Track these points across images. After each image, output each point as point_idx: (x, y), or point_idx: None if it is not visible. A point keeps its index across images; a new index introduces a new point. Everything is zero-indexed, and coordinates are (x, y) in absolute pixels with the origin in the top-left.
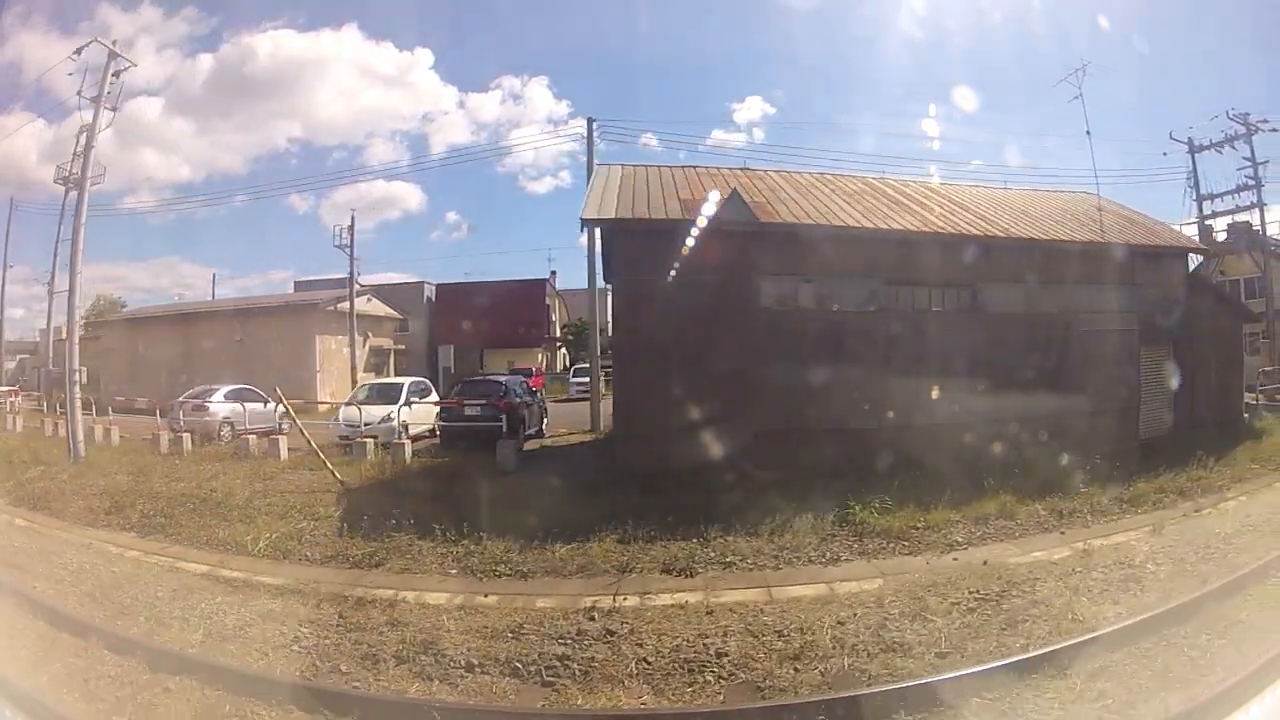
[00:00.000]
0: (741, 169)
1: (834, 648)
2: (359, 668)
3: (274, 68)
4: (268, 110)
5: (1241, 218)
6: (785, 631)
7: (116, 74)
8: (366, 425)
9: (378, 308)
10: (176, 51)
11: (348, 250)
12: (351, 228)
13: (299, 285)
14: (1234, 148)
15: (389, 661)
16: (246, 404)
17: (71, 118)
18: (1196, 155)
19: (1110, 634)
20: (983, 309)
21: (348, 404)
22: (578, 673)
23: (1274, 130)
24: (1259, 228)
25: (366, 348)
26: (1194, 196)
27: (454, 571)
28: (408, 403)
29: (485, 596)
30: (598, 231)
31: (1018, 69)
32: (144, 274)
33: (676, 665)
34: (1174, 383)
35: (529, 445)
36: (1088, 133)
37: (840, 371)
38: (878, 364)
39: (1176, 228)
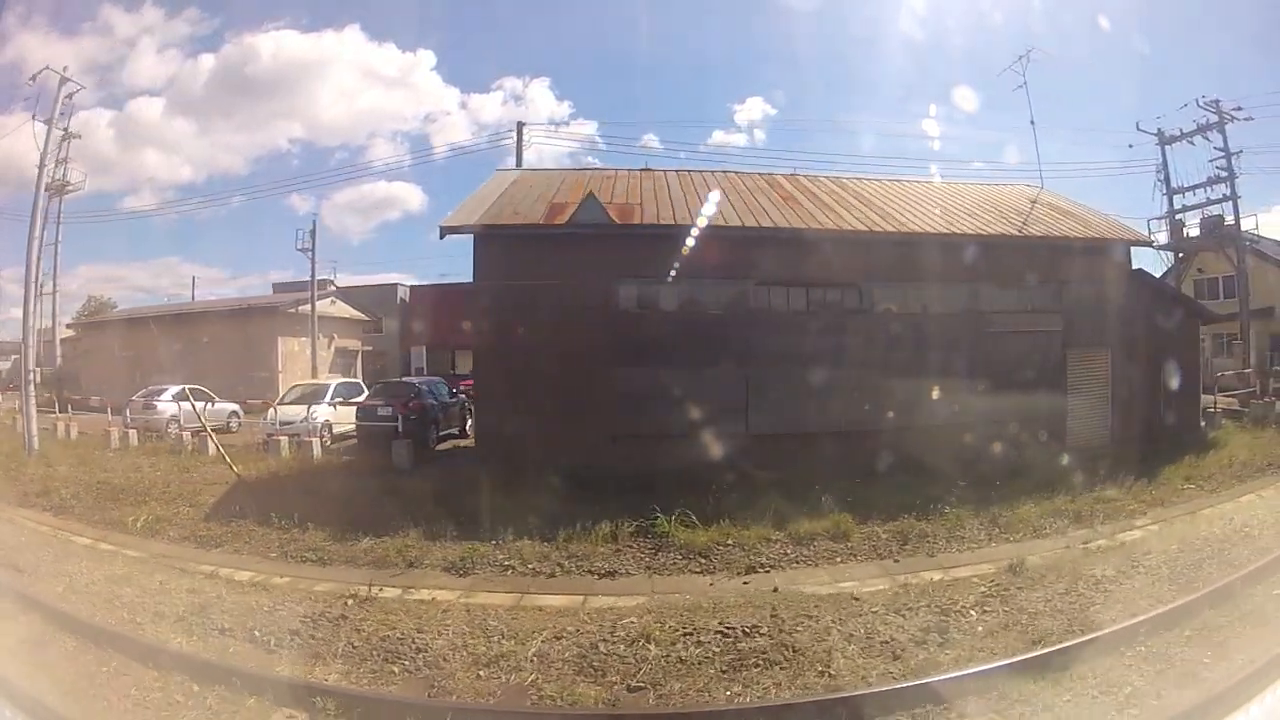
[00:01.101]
0: (642, 170)
1: (533, 662)
2: (149, 619)
3: (276, 68)
4: (269, 110)
5: (1216, 211)
6: (498, 637)
7: (70, 96)
8: (285, 424)
9: (343, 310)
10: (178, 51)
11: (309, 254)
12: (314, 232)
13: (278, 287)
14: (1207, 138)
15: (169, 619)
16: (194, 403)
17: (73, 118)
18: (1167, 147)
19: (854, 698)
20: (869, 310)
21: (278, 404)
22: (295, 646)
23: (1249, 119)
24: (1232, 222)
25: (332, 349)
26: (1164, 190)
27: (273, 555)
28: (332, 403)
29: (281, 578)
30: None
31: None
32: (144, 274)
33: (372, 652)
34: (1110, 389)
35: (444, 445)
36: (1031, 122)
37: (701, 375)
38: (743, 367)
39: (1129, 222)
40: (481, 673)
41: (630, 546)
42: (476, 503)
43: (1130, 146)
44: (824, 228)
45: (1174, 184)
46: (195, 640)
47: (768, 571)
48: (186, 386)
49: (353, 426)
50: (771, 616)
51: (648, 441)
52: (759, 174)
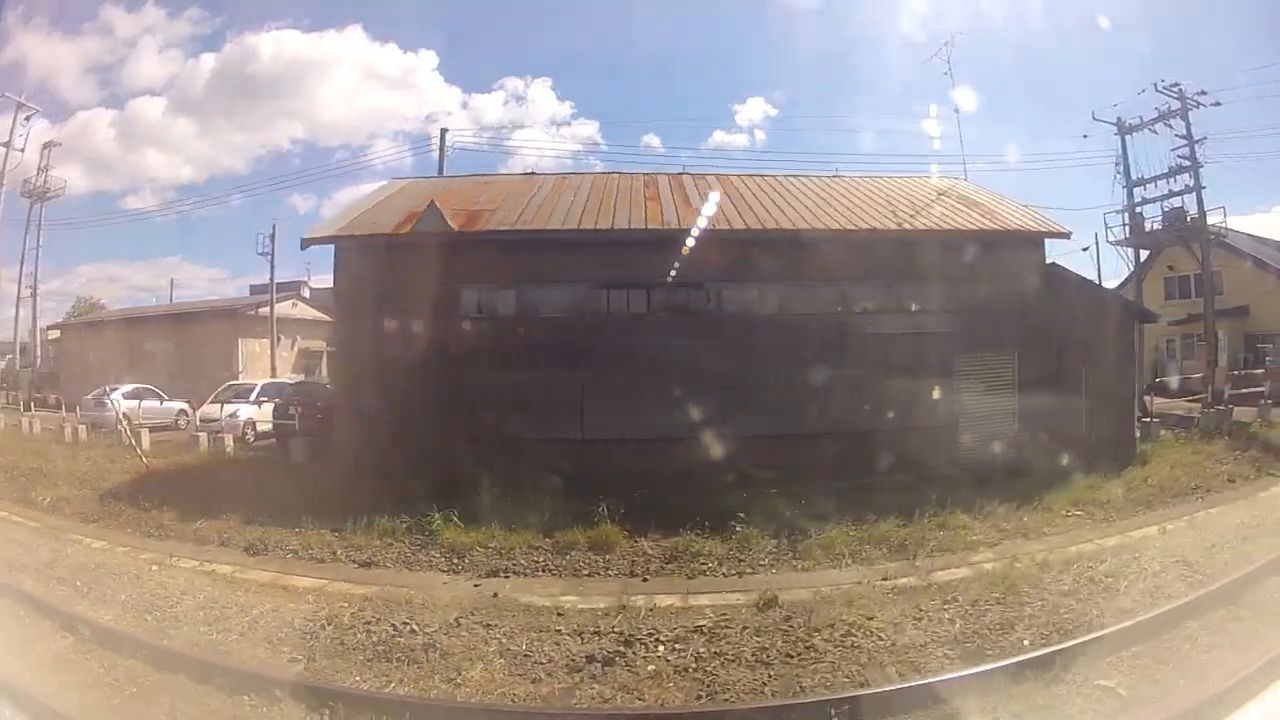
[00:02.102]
0: (525, 174)
1: (237, 624)
2: (13, 569)
3: (277, 68)
4: (271, 110)
5: (1182, 205)
6: (223, 605)
7: (27, 118)
8: (208, 422)
9: (305, 311)
10: (179, 51)
11: (269, 258)
12: (273, 237)
13: (254, 289)
14: (1170, 125)
15: (30, 569)
16: (143, 401)
17: (74, 118)
18: (1128, 137)
19: None
20: (715, 310)
21: (209, 403)
22: (77, 585)
23: (1216, 104)
24: (1196, 215)
25: (295, 350)
26: (1124, 183)
27: (129, 530)
28: (257, 403)
29: (123, 547)
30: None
31: (1019, 68)
32: (145, 274)
33: (121, 596)
34: (1016, 396)
35: None
36: (956, 110)
37: (538, 379)
38: (577, 371)
39: (1043, 213)
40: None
41: (401, 541)
42: (316, 495)
43: (1085, 137)
44: (667, 227)
45: (1135, 176)
46: (29, 579)
47: (507, 577)
48: (137, 386)
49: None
50: (453, 622)
51: (492, 442)
52: (666, 174)
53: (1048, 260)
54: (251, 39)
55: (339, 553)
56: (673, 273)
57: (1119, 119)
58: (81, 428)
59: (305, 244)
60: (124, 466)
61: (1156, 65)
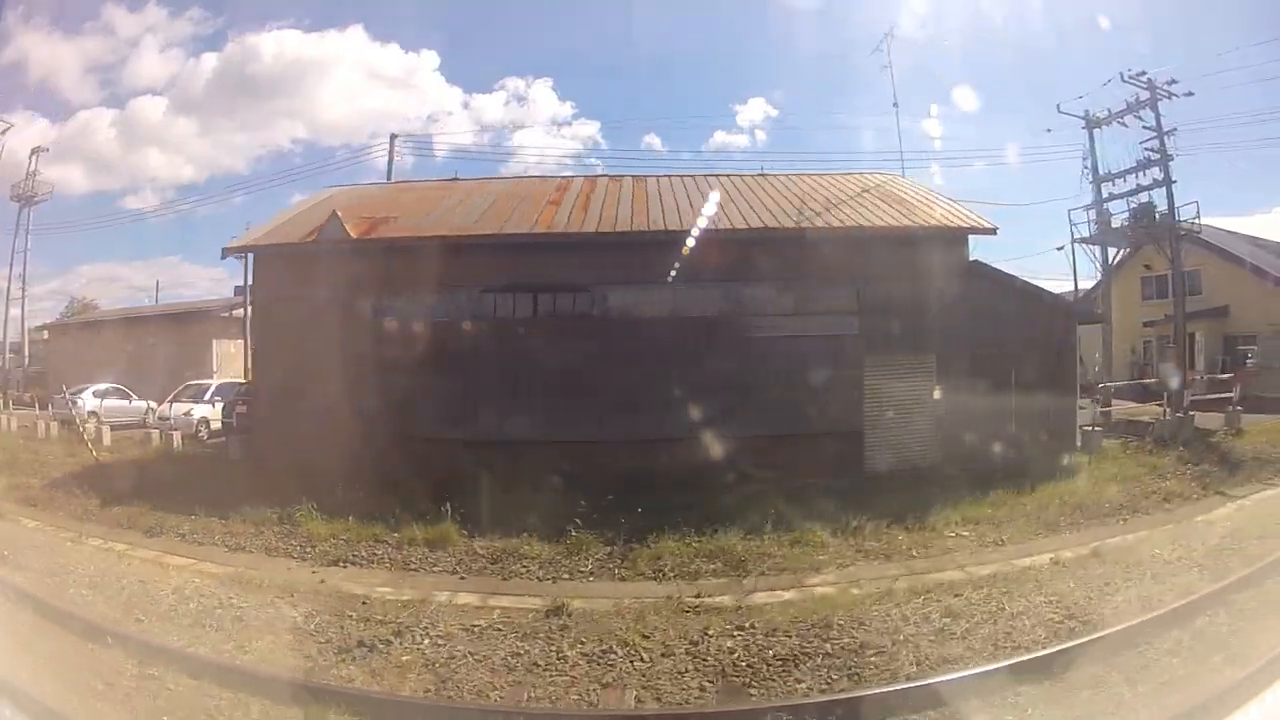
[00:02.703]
0: (451, 179)
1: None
2: None
3: (278, 68)
4: (271, 110)
5: (1166, 203)
6: (81, 569)
7: (3, 131)
8: (163, 420)
9: None
10: (180, 51)
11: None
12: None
13: (238, 290)
14: (1139, 117)
15: None
16: (107, 400)
17: (74, 118)
18: (1096, 130)
19: None
20: (604, 314)
21: (168, 401)
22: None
23: (1189, 95)
24: (1165, 211)
25: None
26: (1090, 178)
27: (61, 514)
28: (211, 402)
29: (52, 526)
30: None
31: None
32: (146, 274)
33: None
34: (934, 402)
35: None
36: (895, 104)
37: (427, 382)
38: (464, 375)
39: (962, 209)
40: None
41: (272, 530)
42: (225, 487)
43: (1049, 131)
44: (551, 231)
45: (1104, 171)
46: None
47: (345, 567)
48: (107, 385)
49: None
50: (269, 601)
51: (384, 441)
52: (587, 177)
53: (1013, 263)
54: (253, 39)
55: (217, 538)
56: (561, 276)
57: (1086, 112)
58: (53, 424)
59: (225, 254)
60: (77, 460)
61: (1157, 63)
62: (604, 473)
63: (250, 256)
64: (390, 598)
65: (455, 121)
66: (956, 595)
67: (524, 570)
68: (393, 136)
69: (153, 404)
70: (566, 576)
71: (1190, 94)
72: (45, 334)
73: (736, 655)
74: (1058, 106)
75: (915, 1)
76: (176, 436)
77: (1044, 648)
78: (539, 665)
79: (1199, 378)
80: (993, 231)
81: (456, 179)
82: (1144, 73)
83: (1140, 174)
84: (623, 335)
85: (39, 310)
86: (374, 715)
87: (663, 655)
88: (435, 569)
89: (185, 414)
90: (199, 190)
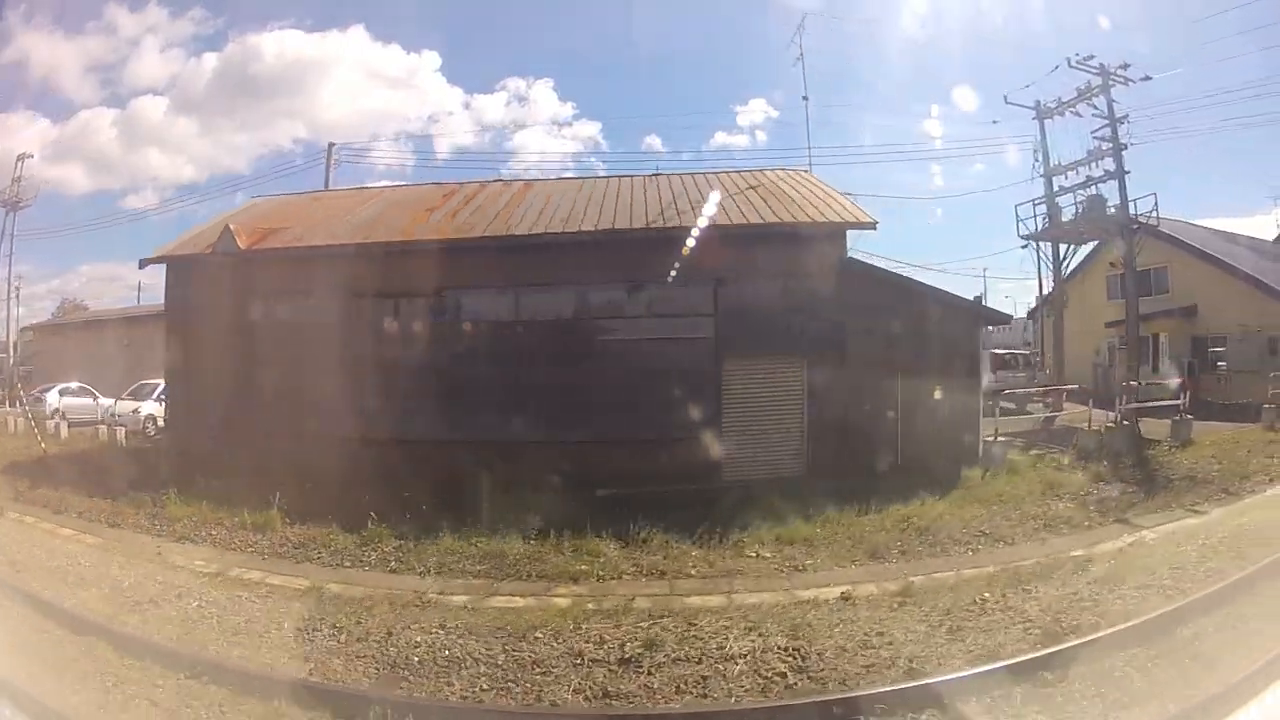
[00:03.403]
0: (356, 188)
1: None
2: None
3: (279, 67)
4: (272, 109)
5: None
6: None
7: None
8: (114, 416)
9: None
10: (182, 51)
11: None
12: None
13: None
14: (1093, 105)
15: None
16: (67, 398)
17: (75, 117)
18: (1048, 121)
19: None
20: (456, 318)
21: (121, 399)
22: None
23: (1146, 79)
24: (1123, 204)
25: None
26: (1041, 171)
27: None
28: (159, 400)
29: None
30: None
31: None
32: (145, 274)
33: None
34: (805, 408)
35: None
36: (805, 98)
37: (309, 383)
38: (338, 377)
39: (849, 206)
40: None
41: (142, 512)
42: (134, 475)
43: (995, 123)
44: (407, 239)
45: (1055, 163)
46: None
47: (183, 543)
48: (74, 384)
49: None
50: (97, 562)
51: (267, 438)
52: (481, 182)
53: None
54: (254, 38)
55: (102, 517)
56: (419, 282)
57: (1037, 102)
58: (20, 421)
59: (142, 264)
60: (29, 452)
61: (1157, 62)
62: (446, 473)
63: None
64: (200, 569)
65: (456, 122)
66: (690, 623)
67: (319, 556)
68: (330, 145)
69: (114, 401)
70: (349, 565)
71: (1147, 78)
72: (30, 335)
73: (413, 650)
74: (1005, 97)
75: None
76: (121, 432)
77: (734, 702)
78: (255, 630)
79: (1136, 383)
80: (871, 226)
81: (364, 188)
82: (1092, 56)
83: (1092, 165)
84: (473, 339)
85: (40, 310)
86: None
87: (357, 640)
88: (249, 549)
89: (133, 411)
90: (199, 190)
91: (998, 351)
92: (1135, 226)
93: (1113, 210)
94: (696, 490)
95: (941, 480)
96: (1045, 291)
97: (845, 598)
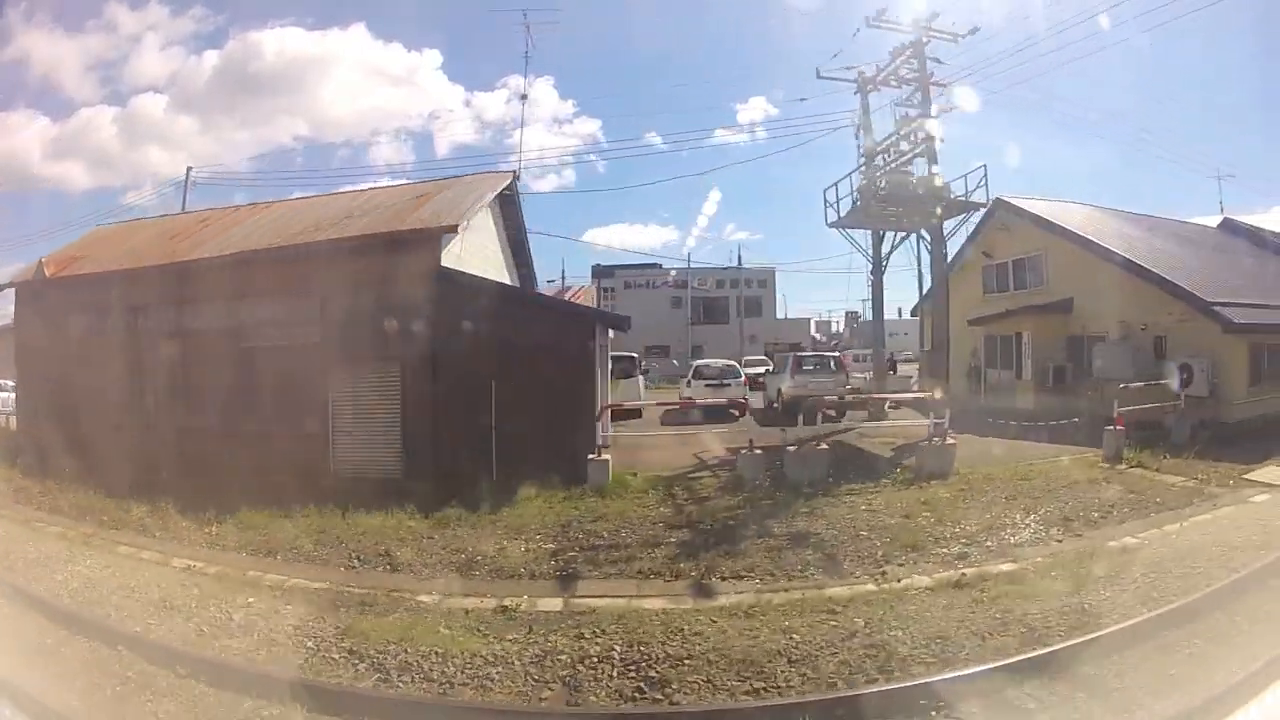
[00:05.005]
0: (199, 212)
1: None
2: None
3: (280, 65)
4: (273, 107)
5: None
6: None
7: None
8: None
9: None
10: (182, 49)
11: None
12: None
13: None
14: (913, 66)
15: None
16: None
17: (76, 115)
18: (874, 94)
19: None
20: (177, 331)
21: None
22: None
23: (974, 32)
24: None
25: None
26: (861, 149)
27: None
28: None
29: None
30: None
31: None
32: None
33: None
34: (401, 413)
35: None
36: (522, 97)
37: (86, 388)
38: (112, 382)
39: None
40: None
41: None
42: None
43: (803, 100)
44: (132, 267)
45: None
46: None
47: None
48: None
49: None
50: None
51: (80, 430)
52: (239, 207)
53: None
54: (255, 36)
55: None
56: (162, 300)
57: (859, 74)
58: None
59: None
60: None
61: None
62: (178, 456)
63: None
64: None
65: (456, 119)
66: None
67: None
68: (189, 169)
69: None
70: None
71: (975, 29)
72: None
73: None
74: (817, 71)
75: None
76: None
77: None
78: None
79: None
80: (453, 230)
81: (211, 210)
82: (884, 10)
83: (913, 138)
84: (182, 346)
85: None
86: None
87: None
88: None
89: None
90: (200, 188)
91: (800, 354)
92: (984, 207)
93: (917, 186)
94: (309, 482)
95: (503, 494)
96: (929, 285)
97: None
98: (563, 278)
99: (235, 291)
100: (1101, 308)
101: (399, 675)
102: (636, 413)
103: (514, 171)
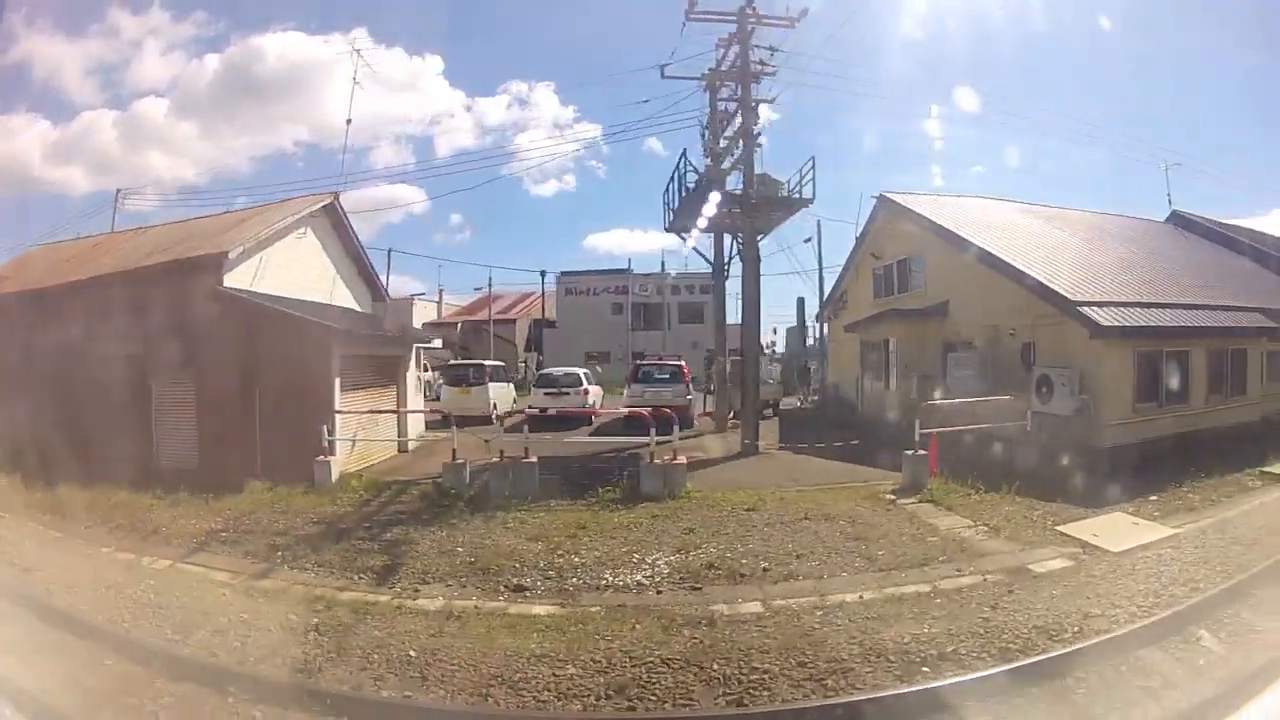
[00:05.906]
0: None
1: None
2: None
3: (282, 69)
4: (274, 112)
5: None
6: None
7: None
8: None
9: None
10: (183, 53)
11: None
12: None
13: None
14: (761, 62)
15: None
16: None
17: (77, 119)
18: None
19: None
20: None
21: None
22: None
23: (803, 14)
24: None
25: None
26: (707, 151)
27: None
28: None
29: None
30: None
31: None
32: None
33: None
34: (197, 416)
35: None
36: (348, 120)
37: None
38: (27, 384)
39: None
40: None
41: None
42: None
43: (645, 102)
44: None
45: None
46: None
47: None
48: None
49: None
50: None
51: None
52: (121, 232)
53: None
54: (256, 40)
55: None
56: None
57: (706, 71)
58: None
59: None
60: None
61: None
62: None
63: None
64: None
65: (458, 123)
66: None
67: None
68: (118, 191)
69: None
70: None
71: (805, 12)
72: None
73: None
74: (661, 70)
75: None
76: None
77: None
78: None
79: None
80: (223, 256)
81: (129, 230)
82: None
83: (751, 138)
84: (61, 360)
85: None
86: None
87: None
88: None
89: None
90: (200, 192)
91: (641, 363)
92: (809, 204)
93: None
94: (141, 471)
95: (241, 487)
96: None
97: None
98: (489, 285)
99: (91, 310)
100: (974, 312)
101: None
102: (486, 419)
103: (334, 193)
